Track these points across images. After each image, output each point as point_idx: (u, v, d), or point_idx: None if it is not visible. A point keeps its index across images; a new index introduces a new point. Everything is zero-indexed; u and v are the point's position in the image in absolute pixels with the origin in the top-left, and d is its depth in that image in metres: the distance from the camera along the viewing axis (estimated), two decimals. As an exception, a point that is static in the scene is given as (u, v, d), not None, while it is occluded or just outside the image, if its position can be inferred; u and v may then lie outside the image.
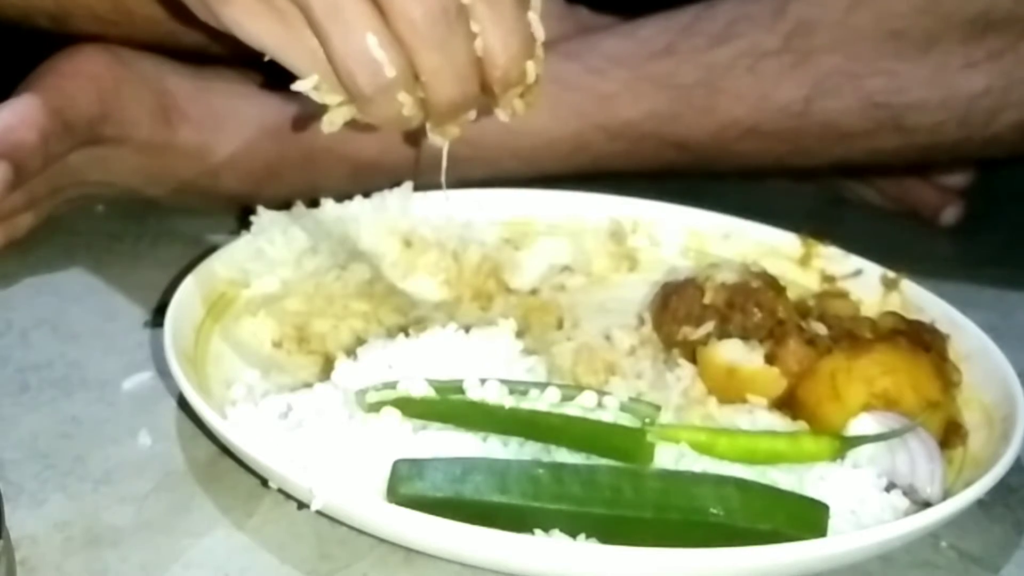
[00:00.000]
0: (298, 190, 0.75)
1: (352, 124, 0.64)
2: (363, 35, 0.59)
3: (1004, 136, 0.78)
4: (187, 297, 0.65)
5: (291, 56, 0.62)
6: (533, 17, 0.63)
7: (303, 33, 0.61)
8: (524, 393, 0.56)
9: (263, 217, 0.72)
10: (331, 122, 0.63)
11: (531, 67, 0.63)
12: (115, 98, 0.77)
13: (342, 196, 0.74)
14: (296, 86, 0.62)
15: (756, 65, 0.78)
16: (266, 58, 0.62)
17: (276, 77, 0.64)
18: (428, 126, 0.65)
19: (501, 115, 0.65)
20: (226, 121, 0.80)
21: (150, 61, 0.79)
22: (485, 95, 0.64)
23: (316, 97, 0.62)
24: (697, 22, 0.79)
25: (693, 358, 0.66)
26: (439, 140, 0.66)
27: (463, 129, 0.65)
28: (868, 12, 0.77)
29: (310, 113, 0.64)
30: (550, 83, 0.77)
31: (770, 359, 0.63)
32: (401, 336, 0.61)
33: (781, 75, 0.78)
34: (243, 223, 0.72)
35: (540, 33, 0.63)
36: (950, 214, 0.93)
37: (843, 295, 0.73)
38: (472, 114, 0.65)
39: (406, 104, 0.62)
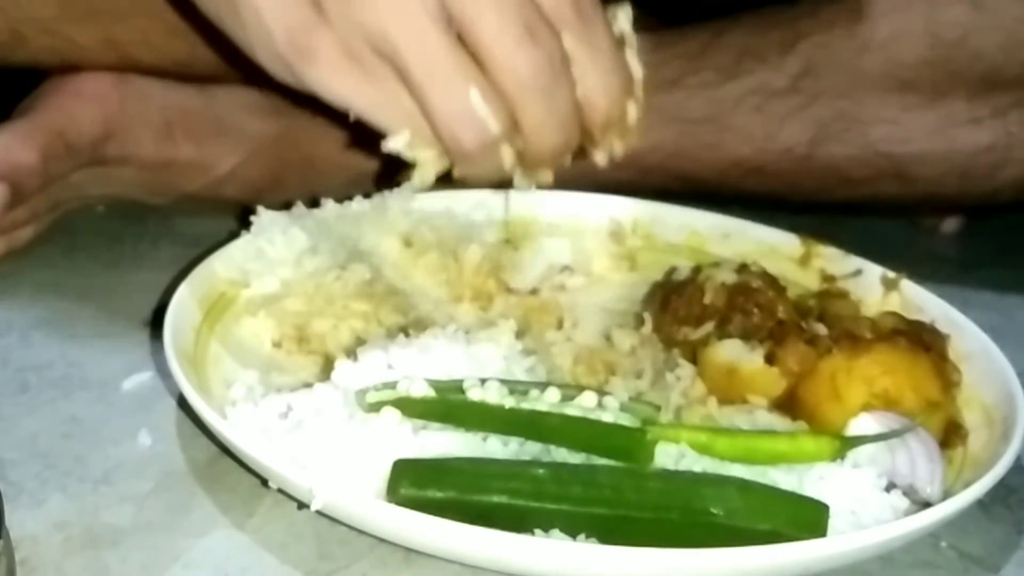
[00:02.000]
0: (300, 196, 0.75)
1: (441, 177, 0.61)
2: (465, 91, 0.57)
3: (1004, 191, 0.78)
4: (187, 297, 0.65)
5: (382, 114, 0.59)
6: (631, 55, 0.61)
7: (395, 89, 0.58)
8: (524, 393, 0.56)
9: (263, 217, 0.72)
10: (423, 179, 0.61)
11: (631, 107, 0.61)
12: (119, 117, 0.76)
13: (342, 196, 0.74)
14: (388, 146, 0.60)
15: (764, 104, 0.77)
16: (352, 118, 0.60)
17: (361, 134, 0.61)
18: (518, 173, 0.62)
19: (599, 157, 0.63)
20: (229, 134, 0.80)
21: (153, 77, 0.79)
22: (583, 139, 0.62)
23: (407, 154, 0.60)
24: (707, 51, 0.78)
25: (693, 358, 0.66)
26: (526, 185, 0.63)
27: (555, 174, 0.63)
28: (877, 58, 0.77)
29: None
30: None
31: (770, 359, 0.63)
32: (401, 336, 0.61)
33: (787, 116, 0.77)
34: (243, 223, 0.72)
35: (638, 72, 0.61)
36: (951, 224, 0.93)
37: (843, 295, 0.73)
38: (567, 160, 0.63)
39: (507, 157, 0.60)
